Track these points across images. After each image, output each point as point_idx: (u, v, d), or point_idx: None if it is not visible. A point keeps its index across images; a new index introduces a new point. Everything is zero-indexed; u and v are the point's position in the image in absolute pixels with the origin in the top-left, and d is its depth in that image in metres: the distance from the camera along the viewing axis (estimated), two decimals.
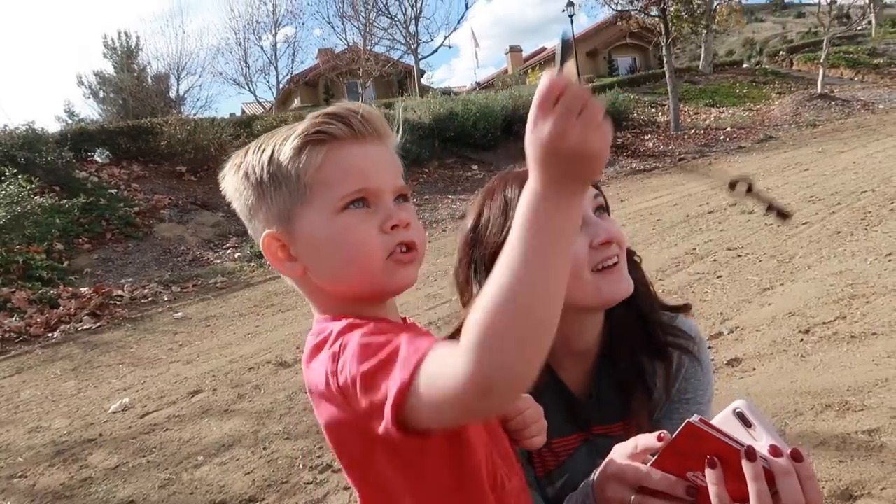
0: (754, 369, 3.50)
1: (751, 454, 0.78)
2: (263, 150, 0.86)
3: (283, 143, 0.84)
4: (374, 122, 0.86)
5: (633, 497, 0.89)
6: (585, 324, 1.18)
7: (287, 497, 2.98)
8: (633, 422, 1.20)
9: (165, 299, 7.38)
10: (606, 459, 0.98)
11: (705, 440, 0.81)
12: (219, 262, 8.78)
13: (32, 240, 8.02)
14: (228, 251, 9.11)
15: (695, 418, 0.81)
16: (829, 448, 2.61)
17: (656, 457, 0.88)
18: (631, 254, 1.21)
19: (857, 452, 2.55)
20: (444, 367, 0.64)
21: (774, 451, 0.79)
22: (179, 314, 6.72)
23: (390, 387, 0.67)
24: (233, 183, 0.89)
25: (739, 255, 5.82)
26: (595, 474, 1.01)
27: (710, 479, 0.80)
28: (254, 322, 6.15)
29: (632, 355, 1.21)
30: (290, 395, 4.17)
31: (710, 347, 3.77)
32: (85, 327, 6.47)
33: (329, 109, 0.86)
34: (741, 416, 0.83)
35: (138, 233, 9.40)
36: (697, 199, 9.13)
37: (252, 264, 8.58)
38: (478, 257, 1.18)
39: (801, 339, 3.77)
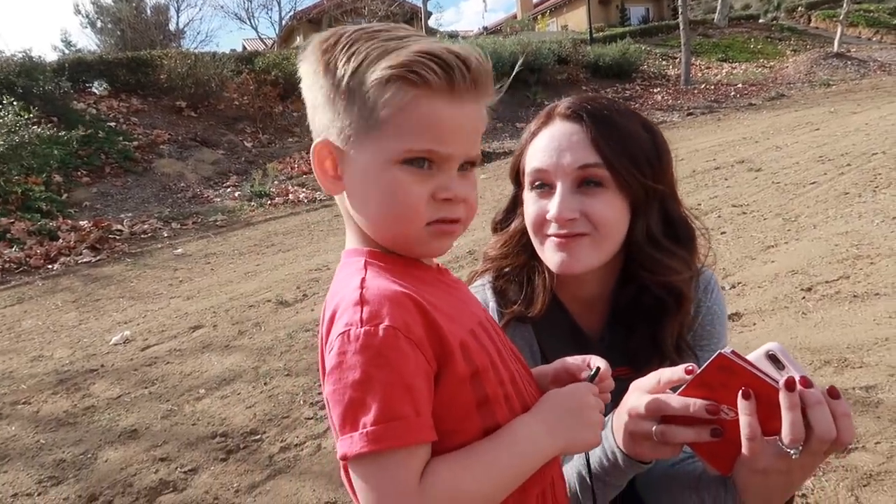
0: (755, 324, 3.52)
1: (790, 384, 0.77)
2: (354, 53, 0.77)
3: (377, 62, 0.75)
4: (479, 79, 0.78)
5: (654, 427, 0.88)
6: (583, 278, 1.17)
7: (288, 431, 3.02)
8: (642, 367, 1.19)
9: (165, 235, 7.36)
10: (625, 397, 0.96)
11: (736, 373, 0.79)
12: (218, 200, 8.71)
13: (31, 170, 7.93)
14: (228, 189, 9.03)
15: (727, 350, 0.79)
16: None
17: (682, 388, 0.87)
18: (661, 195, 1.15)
19: (854, 408, 2.57)
20: (398, 485, 0.69)
21: (805, 382, 0.78)
22: (179, 250, 6.71)
23: (352, 442, 0.69)
24: (311, 69, 0.81)
25: (744, 213, 5.78)
26: (612, 414, 1.00)
27: (744, 409, 0.79)
28: (254, 261, 6.15)
29: (640, 308, 1.18)
30: (290, 333, 4.20)
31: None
32: (85, 260, 6.46)
33: (436, 48, 0.76)
34: (773, 358, 0.81)
35: (137, 167, 9.30)
36: (704, 155, 9.02)
37: (252, 203, 8.53)
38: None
39: (803, 297, 3.77)
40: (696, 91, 16.83)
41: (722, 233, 5.26)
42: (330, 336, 0.74)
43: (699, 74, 19.11)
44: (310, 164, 7.59)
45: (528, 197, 1.15)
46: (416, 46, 0.76)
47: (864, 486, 2.16)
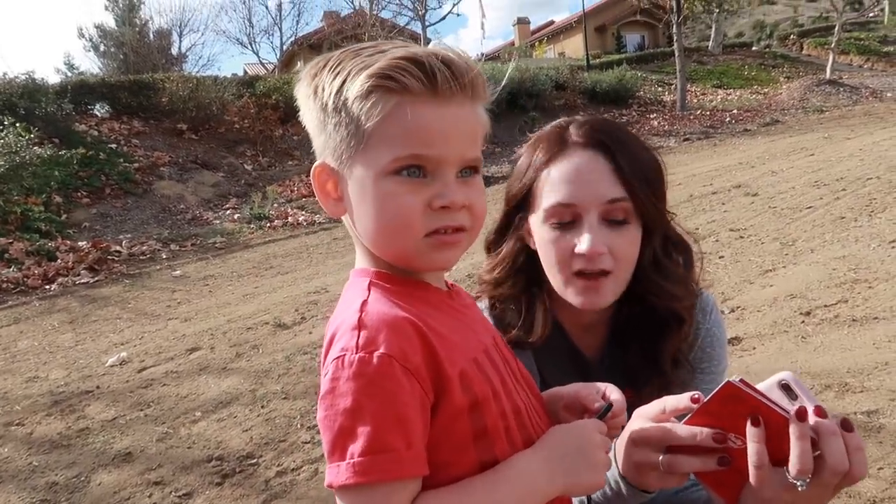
0: (754, 348, 3.51)
1: (801, 414, 0.75)
2: (338, 73, 0.76)
3: (357, 76, 0.74)
4: (464, 79, 0.75)
5: (661, 458, 0.87)
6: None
7: (284, 455, 2.99)
8: (643, 391, 1.19)
9: (164, 257, 7.36)
10: (628, 424, 0.95)
11: (744, 401, 0.78)
12: (218, 222, 8.73)
13: (31, 191, 7.95)
14: (228, 212, 9.06)
15: (735, 378, 0.79)
16: None
17: (689, 417, 0.85)
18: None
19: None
20: None
21: (819, 412, 0.76)
22: (178, 272, 6.70)
23: (339, 472, 0.68)
24: (303, 94, 0.81)
25: (742, 237, 5.81)
26: (615, 441, 0.99)
27: (752, 437, 0.78)
28: (252, 283, 6.14)
29: (641, 329, 1.18)
30: (288, 356, 4.17)
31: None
32: (83, 281, 6.45)
33: (413, 51, 0.74)
34: (786, 387, 0.79)
35: (137, 189, 9.33)
36: (701, 179, 9.08)
37: (251, 226, 8.54)
38: (506, 193, 1.21)
39: (802, 321, 3.77)
40: (691, 117, 17.01)
41: (720, 257, 5.27)
42: (326, 359, 0.73)
43: (695, 100, 19.33)
44: (310, 187, 7.67)
45: (546, 231, 1.10)
46: (394, 53, 0.74)
47: None
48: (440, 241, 0.77)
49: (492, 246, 1.26)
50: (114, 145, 10.18)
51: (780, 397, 0.79)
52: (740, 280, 4.64)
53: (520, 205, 1.16)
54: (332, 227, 8.33)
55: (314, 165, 0.82)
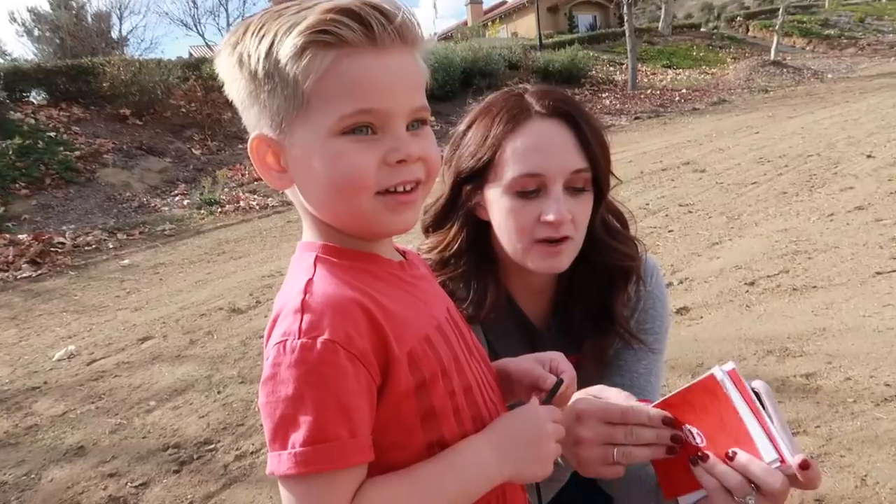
0: (702, 317, 3.63)
1: (805, 465, 0.76)
2: (263, 36, 0.71)
3: (286, 36, 0.69)
4: (402, 27, 0.71)
5: (615, 451, 0.88)
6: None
7: (243, 439, 2.97)
8: (589, 350, 1.23)
9: (111, 246, 7.12)
10: (578, 397, 0.95)
11: (720, 400, 0.80)
12: (167, 209, 8.49)
13: None
14: (177, 198, 8.81)
15: (724, 368, 0.80)
16: None
17: (663, 400, 0.87)
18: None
19: (795, 394, 2.69)
20: None
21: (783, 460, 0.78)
22: (126, 261, 6.51)
23: (280, 462, 0.66)
24: (226, 65, 0.75)
25: (690, 211, 5.97)
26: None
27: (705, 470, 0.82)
28: (205, 269, 6.01)
29: (588, 291, 1.22)
30: (243, 340, 4.12)
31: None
32: (25, 275, 6.20)
33: (342, 2, 0.70)
34: (757, 396, 0.81)
35: (80, 178, 8.97)
36: (651, 157, 9.28)
37: (202, 211, 8.34)
38: (453, 166, 1.18)
39: (747, 291, 3.92)
40: (642, 96, 17.31)
41: (670, 231, 5.42)
42: (269, 342, 0.70)
43: (645, 80, 19.65)
44: None
45: (509, 200, 1.10)
46: (323, 6, 0.70)
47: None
48: (396, 202, 0.73)
49: (435, 225, 1.23)
50: (53, 133, 9.75)
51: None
52: (689, 253, 4.78)
53: (472, 177, 1.15)
54: (285, 210, 8.20)
55: (250, 139, 0.76)
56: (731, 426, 0.80)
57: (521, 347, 1.22)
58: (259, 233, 7.25)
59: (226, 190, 8.99)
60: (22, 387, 3.79)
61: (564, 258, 1.10)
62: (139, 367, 3.90)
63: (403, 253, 0.88)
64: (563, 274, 1.17)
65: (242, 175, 9.59)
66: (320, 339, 0.66)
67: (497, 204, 1.11)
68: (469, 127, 1.17)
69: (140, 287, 5.65)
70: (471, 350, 0.86)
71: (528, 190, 1.08)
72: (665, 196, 6.71)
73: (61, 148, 9.43)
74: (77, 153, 9.45)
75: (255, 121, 0.75)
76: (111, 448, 3.01)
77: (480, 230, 1.19)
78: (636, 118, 14.47)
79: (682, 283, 4.20)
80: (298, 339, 0.67)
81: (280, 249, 6.42)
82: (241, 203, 8.48)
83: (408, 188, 0.74)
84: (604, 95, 17.30)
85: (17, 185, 8.35)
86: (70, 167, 9.09)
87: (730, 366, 0.82)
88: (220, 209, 8.29)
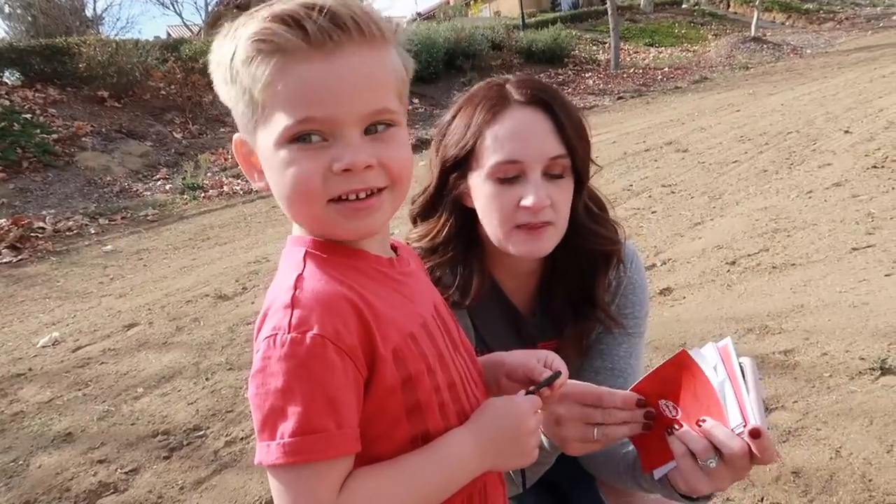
0: (685, 297, 3.70)
1: (755, 433, 0.82)
2: (229, 40, 0.73)
3: (241, 41, 0.71)
4: (346, 23, 0.69)
5: (595, 430, 0.93)
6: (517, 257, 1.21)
7: (232, 425, 2.99)
8: (570, 334, 1.26)
9: (92, 232, 7.04)
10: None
11: (694, 374, 0.85)
12: (149, 193, 8.40)
13: None
14: (159, 182, 8.71)
15: (694, 350, 0.86)
16: None
17: (638, 382, 0.92)
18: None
19: (774, 371, 2.76)
20: (314, 498, 0.68)
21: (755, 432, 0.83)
22: (109, 247, 6.44)
23: (269, 451, 0.68)
24: (212, 65, 0.77)
25: (673, 192, 6.03)
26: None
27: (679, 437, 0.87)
28: (189, 255, 5.97)
29: (570, 275, 1.25)
30: (230, 326, 4.12)
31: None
32: (4, 261, 6.11)
33: (281, 7, 0.69)
34: (741, 368, 0.86)
35: (59, 161, 8.81)
36: (635, 137, 9.32)
37: (185, 196, 8.25)
38: (439, 155, 1.21)
39: (728, 270, 3.99)
40: (625, 75, 17.30)
41: (653, 212, 5.47)
42: (259, 335, 0.71)
43: (628, 59, 19.63)
44: None
45: (490, 186, 1.12)
46: (266, 11, 0.69)
47: (783, 441, 2.33)
48: (348, 209, 0.73)
49: (423, 214, 1.26)
50: (28, 115, 9.54)
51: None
52: (671, 234, 4.84)
53: (457, 165, 1.18)
54: (269, 196, 7.98)
55: (234, 138, 0.79)
56: (703, 397, 0.85)
57: (506, 333, 1.25)
58: (244, 218, 7.21)
59: (209, 174, 8.89)
60: (6, 373, 3.77)
61: (545, 242, 1.13)
62: (125, 354, 3.90)
63: (396, 248, 0.90)
64: (547, 260, 1.20)
65: (226, 160, 9.48)
66: (309, 334, 0.68)
67: (480, 190, 1.14)
68: (454, 116, 1.19)
69: (124, 273, 5.61)
70: (456, 345, 0.88)
71: (508, 176, 1.10)
72: (648, 177, 6.76)
73: (38, 130, 9.25)
74: (55, 136, 9.27)
75: (237, 121, 0.77)
76: (100, 434, 3.02)
77: (467, 218, 1.21)
78: (619, 98, 14.48)
79: (664, 263, 4.26)
80: (288, 333, 0.68)
81: (265, 235, 6.39)
82: (225, 188, 8.40)
83: (361, 196, 0.73)
84: (587, 76, 17.27)
85: None
86: (48, 150, 8.92)
87: (726, 341, 0.87)
88: (203, 194, 8.21)
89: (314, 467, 0.68)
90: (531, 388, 0.86)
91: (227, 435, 2.92)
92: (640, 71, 17.83)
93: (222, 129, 11.01)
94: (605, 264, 1.23)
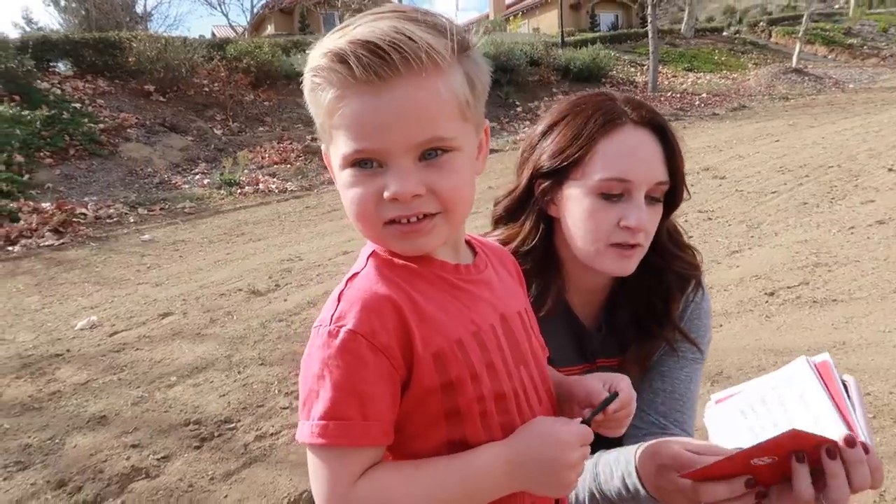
0: (721, 325, 3.65)
1: (850, 441, 0.81)
2: (309, 58, 0.76)
3: (306, 72, 0.76)
4: (390, 57, 0.69)
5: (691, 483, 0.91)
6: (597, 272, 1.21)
7: (263, 420, 3.02)
8: (634, 353, 1.26)
9: (131, 221, 7.20)
10: (656, 443, 1.00)
11: (802, 442, 0.81)
12: (187, 186, 8.56)
13: None
14: (197, 176, 8.87)
15: (788, 430, 0.79)
16: None
17: (741, 451, 0.84)
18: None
19: None
20: (334, 478, 0.74)
21: (849, 440, 0.82)
22: (147, 236, 6.57)
23: (303, 430, 0.75)
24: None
25: (710, 218, 5.97)
26: (638, 452, 1.02)
27: (799, 474, 0.82)
28: (224, 249, 6.07)
29: (640, 295, 1.25)
30: (263, 322, 4.17)
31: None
32: (47, 243, 6.28)
33: (333, 43, 0.72)
34: (845, 386, 0.85)
35: (103, 151, 9.04)
36: None
37: (221, 192, 8.40)
38: (532, 161, 1.21)
39: (767, 301, 3.93)
40: (662, 98, 17.20)
41: (689, 237, 5.38)
42: (315, 322, 0.78)
43: (666, 82, 19.52)
44: (281, 155, 7.54)
45: (591, 201, 1.12)
46: (320, 47, 0.74)
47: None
48: (401, 232, 0.76)
49: (507, 217, 1.26)
50: (78, 104, 9.82)
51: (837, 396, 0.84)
52: (708, 260, 4.78)
53: (553, 173, 1.16)
54: (303, 196, 8.25)
55: (322, 148, 0.85)
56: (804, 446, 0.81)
57: (569, 347, 1.25)
58: (278, 216, 7.30)
59: (245, 171, 9.04)
60: (45, 353, 3.86)
61: (633, 263, 1.14)
62: (160, 342, 3.96)
63: (478, 248, 0.92)
64: (617, 277, 1.21)
65: (263, 158, 9.63)
66: (344, 329, 0.73)
67: (577, 202, 1.14)
68: (553, 125, 1.19)
69: (160, 263, 5.72)
70: (520, 358, 0.86)
71: (613, 193, 1.11)
72: (685, 202, 6.68)
73: (86, 120, 9.51)
74: (101, 126, 9.52)
75: (318, 132, 0.82)
76: (133, 419, 3.07)
77: (548, 227, 1.22)
78: None
79: None
80: (328, 325, 0.74)
81: (299, 234, 6.46)
82: (261, 185, 8.53)
83: (412, 220, 0.75)
84: None
85: (42, 154, 8.43)
86: (94, 139, 9.16)
87: (824, 356, 0.86)
88: (239, 190, 8.34)
89: (338, 451, 0.73)
90: (587, 415, 0.85)
91: (257, 429, 2.95)
92: (678, 95, 17.71)
93: (261, 128, 11.20)
94: (680, 287, 1.24)
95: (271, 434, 2.91)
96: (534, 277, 1.20)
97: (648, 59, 18.66)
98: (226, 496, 2.51)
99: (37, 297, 4.90)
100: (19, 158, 7.99)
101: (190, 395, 3.28)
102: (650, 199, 1.12)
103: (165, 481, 2.61)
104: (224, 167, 9.06)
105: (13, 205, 6.95)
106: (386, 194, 0.73)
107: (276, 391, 3.26)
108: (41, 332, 4.19)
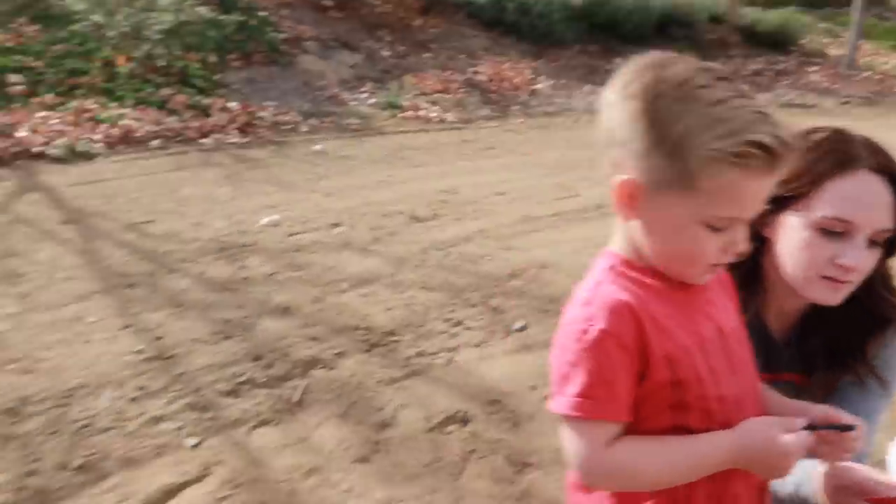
0: None
1: None
2: (682, 116, 0.85)
3: (705, 134, 0.84)
4: (790, 157, 0.88)
5: None
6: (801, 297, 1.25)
7: (423, 339, 3.28)
8: (821, 378, 1.32)
9: (304, 130, 7.71)
10: (839, 464, 1.06)
11: None
12: (354, 104, 8.96)
13: (190, 48, 8.41)
14: (364, 95, 9.25)
15: None
16: None
17: None
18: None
19: None
20: (588, 444, 0.92)
21: None
22: (318, 146, 7.04)
23: (558, 403, 0.93)
24: (626, 106, 0.89)
25: None
26: (818, 466, 1.10)
27: None
28: (386, 170, 6.38)
29: (837, 325, 1.29)
30: (423, 248, 4.42)
31: None
32: (233, 140, 6.91)
33: (762, 135, 0.83)
34: None
35: (283, 59, 9.63)
36: None
37: (385, 113, 8.73)
38: None
39: None
40: (857, 78, 15.39)
41: None
42: (564, 318, 0.96)
43: (864, 59, 17.39)
44: (444, 84, 7.56)
45: (810, 235, 1.18)
46: (746, 134, 0.83)
47: None
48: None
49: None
50: (264, 13, 10.45)
51: None
52: None
53: (777, 200, 1.20)
54: (462, 128, 8.40)
55: (620, 179, 0.90)
56: None
57: (756, 354, 1.31)
58: (437, 145, 7.52)
59: (409, 96, 9.31)
60: (237, 242, 4.36)
61: (842, 294, 1.20)
62: (332, 250, 4.34)
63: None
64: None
65: (426, 84, 9.84)
66: (596, 328, 0.90)
67: (794, 232, 1.20)
68: None
69: (330, 174, 6.14)
70: (735, 368, 1.00)
71: (833, 231, 1.16)
72: None
73: (269, 28, 10.12)
74: (282, 36, 10.10)
75: (626, 160, 0.91)
76: (312, 315, 3.45)
77: (759, 245, 1.27)
78: (844, 102, 12.98)
79: None
80: (581, 325, 0.92)
81: (455, 167, 6.65)
82: (421, 112, 8.77)
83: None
84: (811, 70, 15.56)
85: (231, 57, 9.15)
86: (275, 48, 9.76)
87: None
88: (401, 114, 8.64)
89: (587, 423, 0.91)
90: (817, 423, 0.96)
91: (417, 347, 3.22)
92: (877, 77, 15.75)
93: (425, 55, 11.37)
94: (882, 327, 1.28)
95: (430, 353, 3.17)
96: (737, 290, 1.25)
97: (849, 30, 16.65)
98: (390, 399, 2.81)
99: (227, 189, 5.46)
100: (213, 59, 8.73)
101: (359, 303, 3.61)
102: (870, 243, 1.16)
103: (340, 374, 2.95)
104: (389, 89, 9.37)
105: (206, 101, 7.67)
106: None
107: (435, 316, 3.51)
108: (232, 222, 4.71)
